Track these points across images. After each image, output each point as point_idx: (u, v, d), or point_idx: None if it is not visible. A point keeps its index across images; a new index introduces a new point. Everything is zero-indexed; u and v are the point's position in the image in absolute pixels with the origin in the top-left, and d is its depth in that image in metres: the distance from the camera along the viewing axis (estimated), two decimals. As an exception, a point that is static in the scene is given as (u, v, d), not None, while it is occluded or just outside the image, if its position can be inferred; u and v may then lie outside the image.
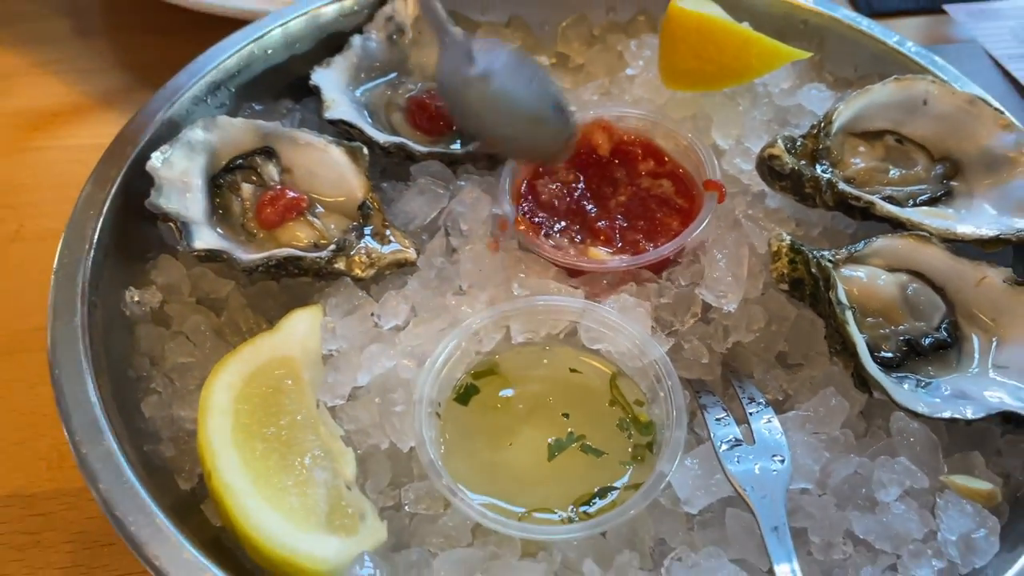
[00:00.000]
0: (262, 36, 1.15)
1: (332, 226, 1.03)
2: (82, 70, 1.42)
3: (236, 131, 1.04)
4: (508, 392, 0.92)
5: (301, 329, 0.91)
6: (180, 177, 0.99)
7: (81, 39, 1.47)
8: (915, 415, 0.87)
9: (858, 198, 0.99)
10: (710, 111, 1.16)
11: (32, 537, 0.94)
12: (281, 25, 1.17)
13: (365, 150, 1.05)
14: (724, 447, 0.86)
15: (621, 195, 1.08)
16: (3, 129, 1.32)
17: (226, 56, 1.13)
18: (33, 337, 1.04)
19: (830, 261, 0.93)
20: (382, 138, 1.09)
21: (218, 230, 1.00)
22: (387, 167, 1.12)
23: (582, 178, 1.09)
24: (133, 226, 1.00)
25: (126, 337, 0.95)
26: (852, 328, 0.88)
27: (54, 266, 0.92)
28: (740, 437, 0.87)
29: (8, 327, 1.12)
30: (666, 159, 1.10)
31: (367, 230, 1.00)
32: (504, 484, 0.86)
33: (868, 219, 1.00)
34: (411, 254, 0.99)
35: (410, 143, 1.09)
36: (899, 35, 1.21)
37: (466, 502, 0.81)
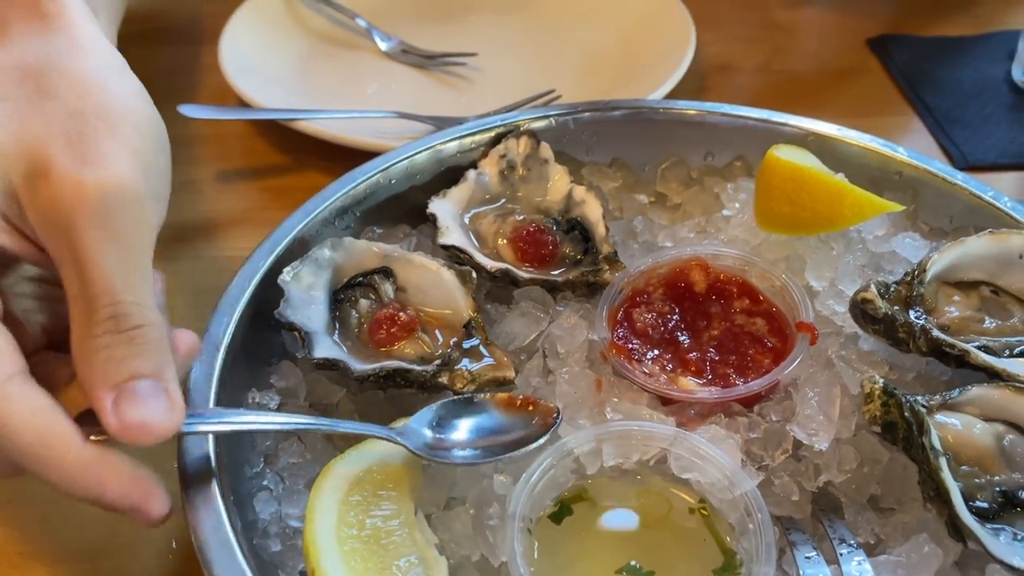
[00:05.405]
0: (389, 167, 1.27)
1: (438, 342, 1.10)
2: (222, 189, 1.58)
3: (359, 251, 1.14)
4: (599, 515, 0.94)
5: (405, 438, 0.97)
6: (307, 291, 1.09)
7: (222, 161, 1.65)
8: (1012, 569, 0.85)
9: (952, 345, 1.00)
10: (804, 253, 1.20)
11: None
12: (407, 158, 1.28)
13: (473, 274, 1.13)
14: (813, 586, 0.85)
15: (714, 329, 1.12)
16: (149, 240, 1.46)
17: (355, 183, 1.24)
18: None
19: (924, 406, 0.94)
20: (489, 264, 1.17)
21: (335, 340, 1.08)
22: (492, 290, 1.20)
23: (677, 310, 1.13)
24: (259, 333, 1.09)
25: (246, 435, 1.02)
26: (946, 475, 0.88)
27: (189, 366, 1.01)
28: (830, 577, 0.86)
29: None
30: (761, 298, 1.14)
31: (470, 347, 1.06)
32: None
33: (963, 367, 1.01)
34: (510, 373, 1.04)
35: (514, 269, 1.17)
36: (995, 190, 1.23)
37: (553, 621, 0.82)
